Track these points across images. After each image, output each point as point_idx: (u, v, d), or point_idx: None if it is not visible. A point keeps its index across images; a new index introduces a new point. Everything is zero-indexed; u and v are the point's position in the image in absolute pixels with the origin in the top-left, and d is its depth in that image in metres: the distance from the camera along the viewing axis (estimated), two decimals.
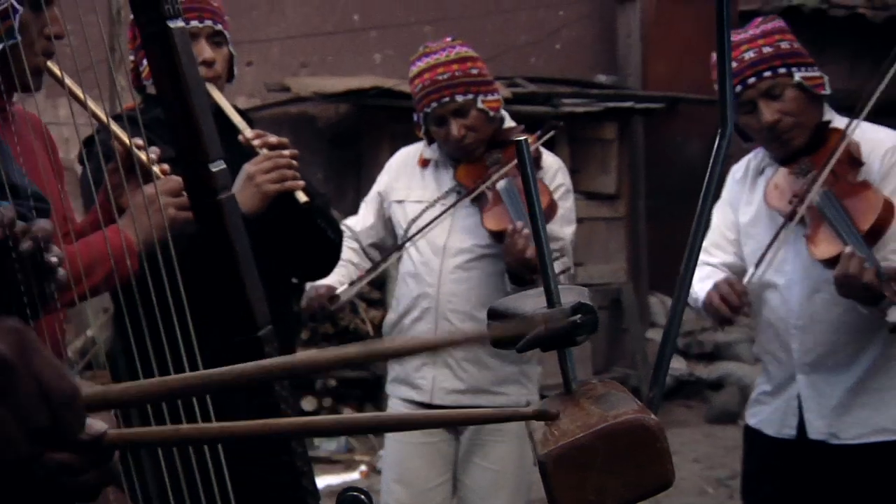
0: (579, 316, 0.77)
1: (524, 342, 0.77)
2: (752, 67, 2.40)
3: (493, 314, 0.82)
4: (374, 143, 6.73)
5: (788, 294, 2.46)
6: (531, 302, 0.81)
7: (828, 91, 2.45)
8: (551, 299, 0.78)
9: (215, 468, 1.34)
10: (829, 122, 2.47)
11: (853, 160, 2.37)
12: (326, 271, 2.61)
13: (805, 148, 2.43)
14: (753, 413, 2.61)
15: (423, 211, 2.88)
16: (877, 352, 2.40)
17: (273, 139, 2.22)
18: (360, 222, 3.05)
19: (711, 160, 0.88)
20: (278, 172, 2.14)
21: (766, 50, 2.41)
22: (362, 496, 1.09)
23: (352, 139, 6.99)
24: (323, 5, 7.21)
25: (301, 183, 2.18)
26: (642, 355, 7.03)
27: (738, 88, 2.39)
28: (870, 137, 2.43)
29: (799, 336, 2.45)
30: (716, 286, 2.39)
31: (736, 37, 2.44)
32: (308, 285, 2.88)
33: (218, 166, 1.24)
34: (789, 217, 2.37)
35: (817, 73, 2.44)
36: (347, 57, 7.19)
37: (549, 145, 8.24)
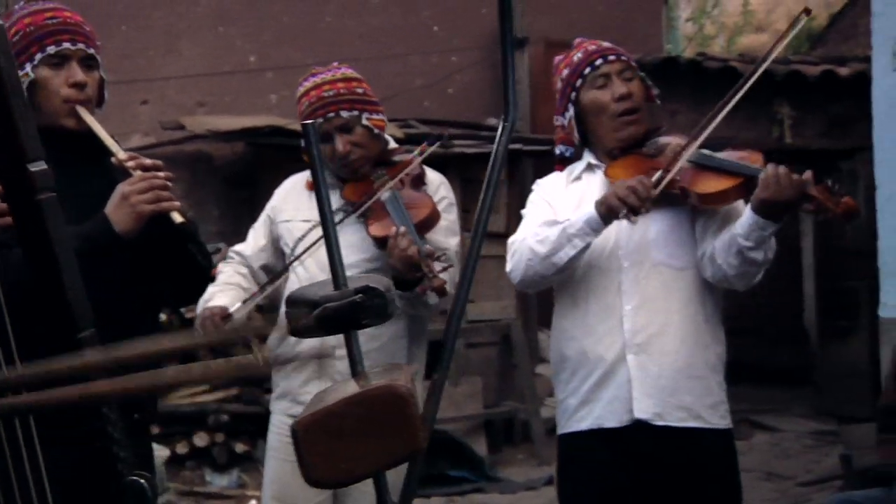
0: (360, 295, 0.74)
1: (302, 325, 0.76)
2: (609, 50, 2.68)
3: (290, 302, 0.82)
4: (269, 182, 6.74)
5: (624, 274, 2.54)
6: (322, 288, 0.83)
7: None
8: (337, 283, 0.77)
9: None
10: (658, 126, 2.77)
11: None
12: (195, 298, 2.63)
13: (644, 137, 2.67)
14: (581, 417, 2.59)
15: (310, 230, 2.86)
16: (701, 342, 2.53)
17: (147, 161, 2.19)
18: (249, 246, 3.05)
19: (493, 152, 0.99)
20: (153, 193, 2.11)
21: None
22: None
23: (247, 178, 7.06)
24: (220, 46, 7.31)
25: (177, 204, 2.16)
26: (531, 390, 7.20)
27: (599, 62, 2.62)
28: None
29: (631, 315, 2.51)
30: (612, 189, 2.46)
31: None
32: (200, 307, 2.85)
33: (38, 166, 1.21)
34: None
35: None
36: (244, 97, 7.29)
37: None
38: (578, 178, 2.68)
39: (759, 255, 2.42)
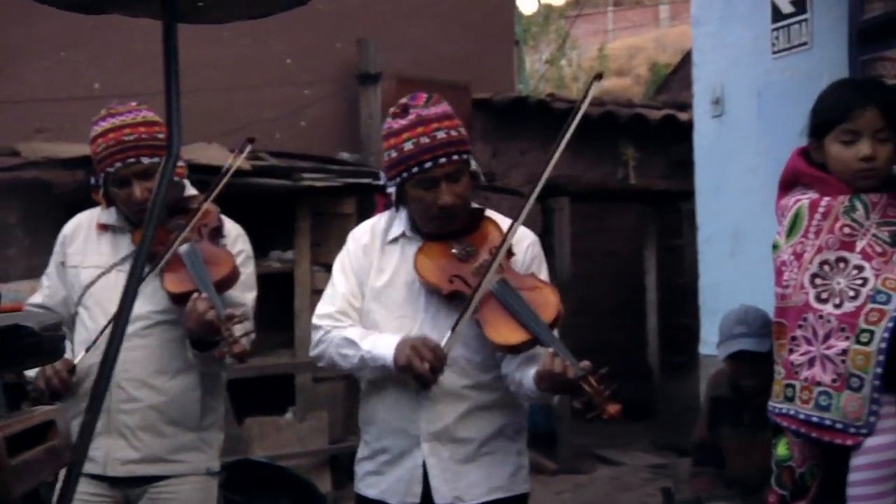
0: None
1: None
2: (443, 147, 2.45)
3: None
4: None
5: None
6: None
7: (482, 180, 2.62)
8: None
9: None
10: (481, 209, 2.62)
11: (508, 251, 2.49)
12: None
13: (462, 229, 2.55)
14: (370, 484, 2.61)
15: (99, 277, 2.80)
16: (498, 423, 2.54)
17: None
18: (48, 296, 2.92)
19: (157, 182, 0.97)
20: None
21: (453, 133, 2.48)
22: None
23: (87, 206, 6.85)
24: (62, 71, 7.11)
25: None
26: None
27: (428, 165, 2.43)
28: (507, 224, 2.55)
29: (429, 406, 2.50)
30: (413, 348, 2.36)
31: (423, 112, 2.48)
32: (35, 371, 2.71)
33: None
34: (454, 296, 2.44)
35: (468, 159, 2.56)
36: (86, 124, 7.09)
37: (291, 219, 8.28)
38: (395, 240, 2.62)
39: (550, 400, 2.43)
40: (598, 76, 2.45)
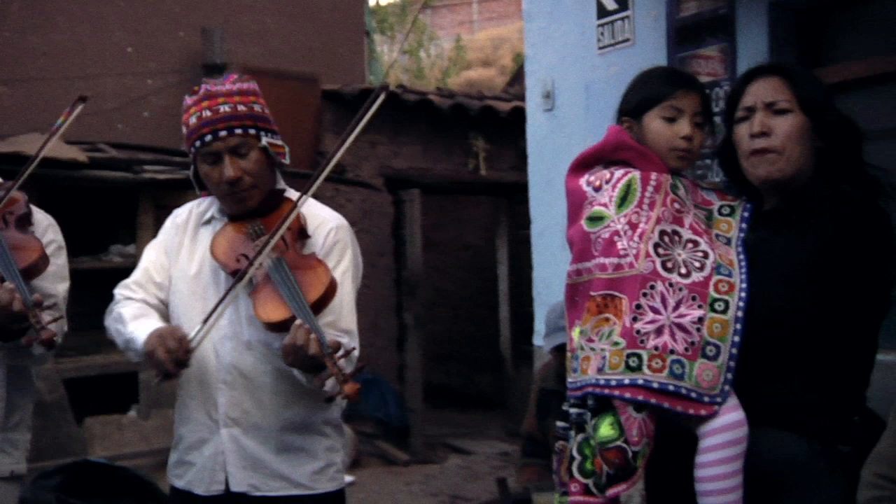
0: None
1: None
2: (224, 121, 2.40)
3: None
4: None
5: (221, 348, 2.46)
6: None
7: (287, 161, 2.53)
8: None
9: None
10: (283, 190, 2.58)
11: (302, 231, 2.47)
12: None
13: (258, 210, 2.51)
14: (177, 474, 2.56)
15: None
16: (300, 414, 2.49)
17: None
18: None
19: None
20: None
21: (241, 108, 2.42)
22: None
23: None
24: None
25: None
26: None
27: (208, 138, 2.39)
28: (315, 213, 2.55)
29: (227, 391, 2.46)
30: (160, 336, 2.30)
31: (213, 87, 2.45)
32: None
33: None
34: (236, 275, 2.40)
35: (280, 142, 2.52)
36: None
37: (133, 212, 8.03)
38: (208, 222, 2.59)
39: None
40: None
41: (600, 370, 2.14)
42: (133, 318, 2.46)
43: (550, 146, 4.97)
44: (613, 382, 2.11)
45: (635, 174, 2.27)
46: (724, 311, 2.06)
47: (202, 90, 2.47)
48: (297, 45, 8.31)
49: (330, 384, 2.15)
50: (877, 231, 2.04)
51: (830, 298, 2.03)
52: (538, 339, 4.97)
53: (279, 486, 2.49)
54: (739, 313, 2.05)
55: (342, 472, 2.61)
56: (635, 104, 2.36)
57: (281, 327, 2.27)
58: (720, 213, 2.27)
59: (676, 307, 2.09)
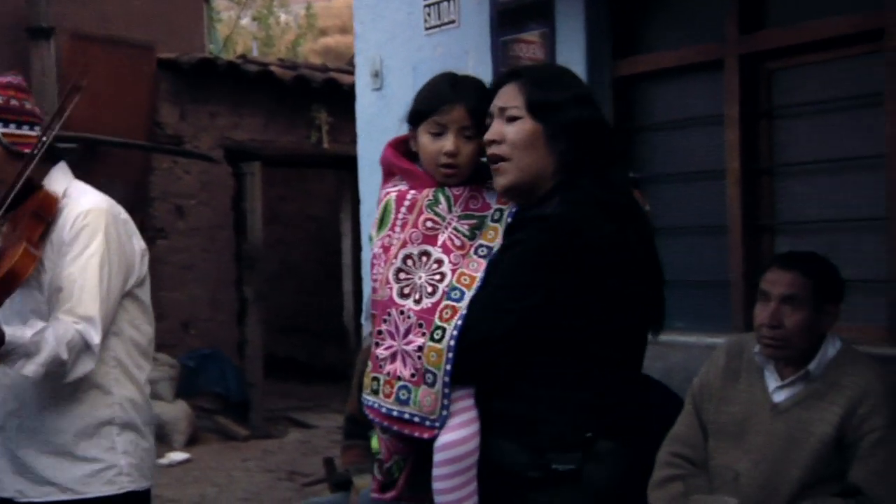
0: None
1: None
2: None
3: None
4: None
5: None
6: None
7: (37, 152, 2.44)
8: None
9: None
10: (38, 181, 2.49)
11: (37, 214, 2.42)
12: None
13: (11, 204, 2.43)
14: None
15: None
16: (68, 414, 2.45)
17: None
18: None
19: None
20: None
21: None
22: None
23: None
24: None
25: None
26: None
27: None
28: (75, 199, 2.49)
29: (3, 391, 2.45)
30: None
31: None
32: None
33: None
34: None
35: (28, 132, 2.47)
36: None
37: None
38: None
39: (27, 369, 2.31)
40: (78, 87, 2.41)
41: (364, 388, 2.25)
42: None
43: (379, 126, 4.93)
44: (368, 402, 2.22)
45: (392, 196, 2.29)
46: (440, 340, 2.10)
47: None
48: (132, 11, 8.03)
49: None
50: (584, 237, 2.01)
51: (542, 312, 2.03)
52: (363, 319, 4.97)
53: (47, 491, 2.43)
54: (452, 342, 2.09)
55: (135, 473, 2.53)
56: (410, 116, 2.35)
57: None
58: (492, 220, 2.25)
59: (406, 334, 2.14)
